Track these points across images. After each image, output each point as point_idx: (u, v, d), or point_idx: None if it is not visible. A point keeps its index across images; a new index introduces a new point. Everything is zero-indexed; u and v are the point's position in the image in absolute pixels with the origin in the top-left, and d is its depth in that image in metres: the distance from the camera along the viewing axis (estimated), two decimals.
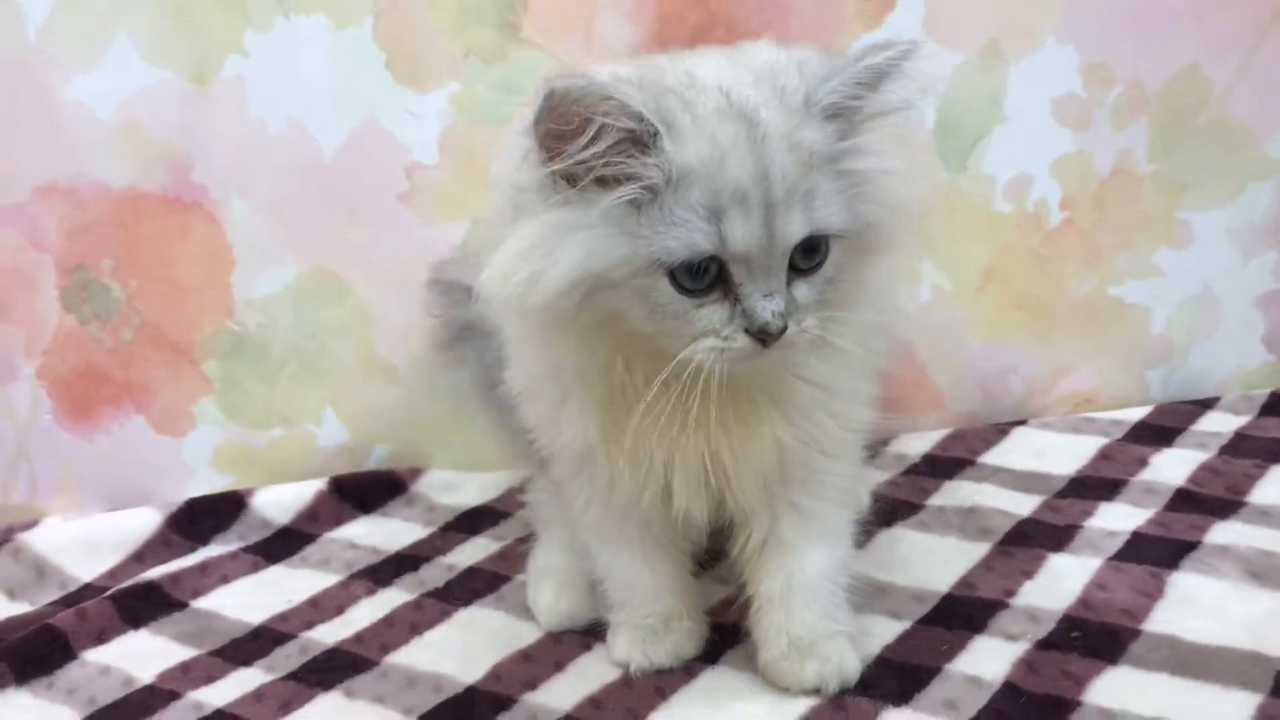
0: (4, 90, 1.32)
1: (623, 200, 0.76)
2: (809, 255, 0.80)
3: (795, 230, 0.77)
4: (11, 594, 1.29)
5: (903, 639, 1.01)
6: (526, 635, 1.09)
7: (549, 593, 1.11)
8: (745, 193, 0.76)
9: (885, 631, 1.02)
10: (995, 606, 1.04)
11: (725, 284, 0.79)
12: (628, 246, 0.77)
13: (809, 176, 0.77)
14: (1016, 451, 1.36)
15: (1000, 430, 1.41)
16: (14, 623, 1.20)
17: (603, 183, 0.77)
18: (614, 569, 1.03)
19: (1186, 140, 1.37)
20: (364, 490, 1.41)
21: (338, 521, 1.37)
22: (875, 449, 1.39)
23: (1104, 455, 1.32)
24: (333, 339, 1.42)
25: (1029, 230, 1.40)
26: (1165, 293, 1.43)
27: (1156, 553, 1.09)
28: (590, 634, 1.07)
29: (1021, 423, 1.43)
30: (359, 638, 1.12)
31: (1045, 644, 0.98)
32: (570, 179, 0.77)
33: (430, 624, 1.14)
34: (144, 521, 1.35)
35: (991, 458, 1.35)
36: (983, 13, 1.33)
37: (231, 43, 1.32)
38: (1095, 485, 1.25)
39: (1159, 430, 1.36)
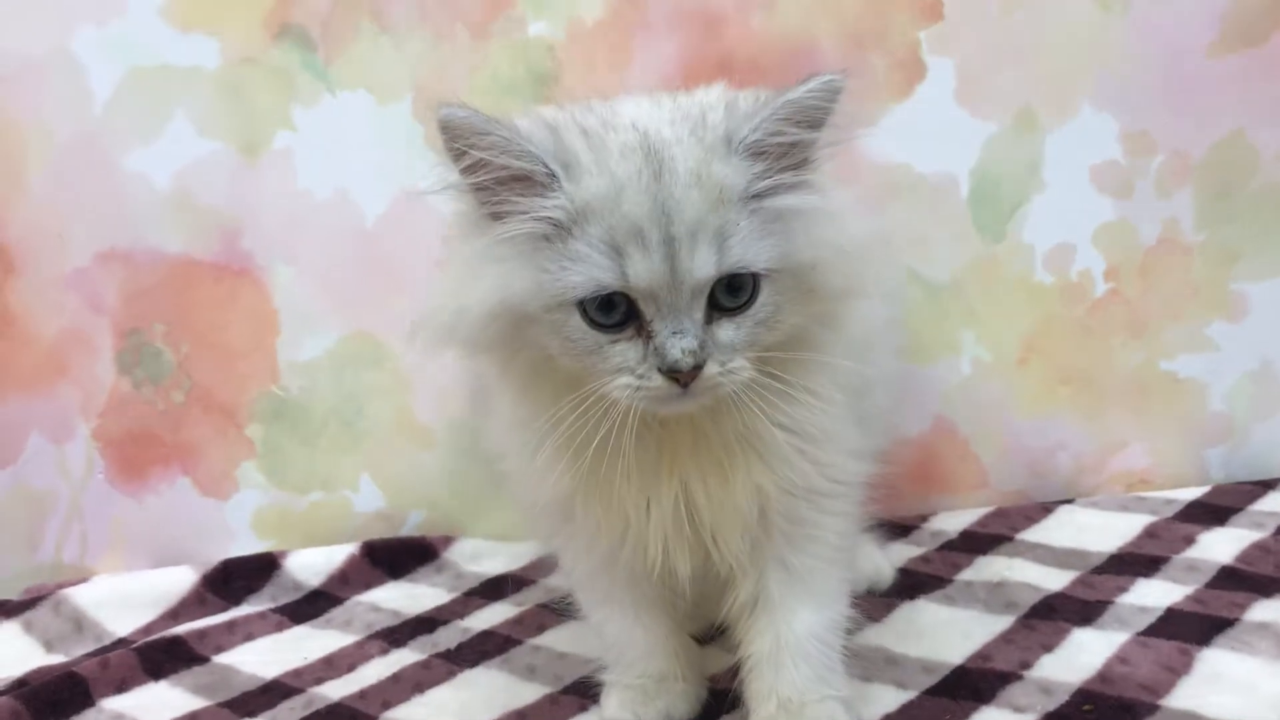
0: (72, 161, 1.40)
1: (531, 235, 0.77)
2: (734, 294, 0.78)
3: (702, 267, 0.76)
4: (50, 645, 1.32)
5: (905, 708, 0.97)
6: (526, 695, 1.08)
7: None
8: (642, 229, 0.76)
9: (888, 700, 0.98)
10: (1007, 679, 0.99)
11: (639, 321, 0.78)
12: (535, 280, 0.77)
13: (720, 213, 0.76)
14: (1058, 529, 1.30)
15: (1045, 509, 1.36)
16: (45, 672, 1.22)
17: (499, 218, 0.78)
18: (606, 626, 1.01)
19: (1236, 208, 1.33)
20: (396, 556, 1.42)
21: (367, 585, 1.38)
22: (914, 524, 1.36)
23: (1149, 533, 1.26)
24: (372, 403, 1.44)
25: (1072, 301, 1.36)
26: (1221, 367, 1.37)
27: (1189, 629, 1.03)
28: (591, 696, 1.05)
29: (1068, 501, 1.37)
30: (363, 694, 1.12)
31: (1054, 716, 0.93)
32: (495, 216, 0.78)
33: (434, 683, 1.13)
34: (180, 580, 1.38)
35: (1031, 534, 1.29)
36: (1015, 81, 1.32)
37: (280, 117, 1.39)
38: (1135, 562, 1.19)
39: (1213, 510, 1.29)
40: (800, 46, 1.33)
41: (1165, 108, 1.32)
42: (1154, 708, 0.92)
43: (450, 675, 1.14)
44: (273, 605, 1.36)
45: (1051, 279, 1.37)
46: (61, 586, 1.40)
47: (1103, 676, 0.98)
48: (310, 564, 1.40)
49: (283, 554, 1.41)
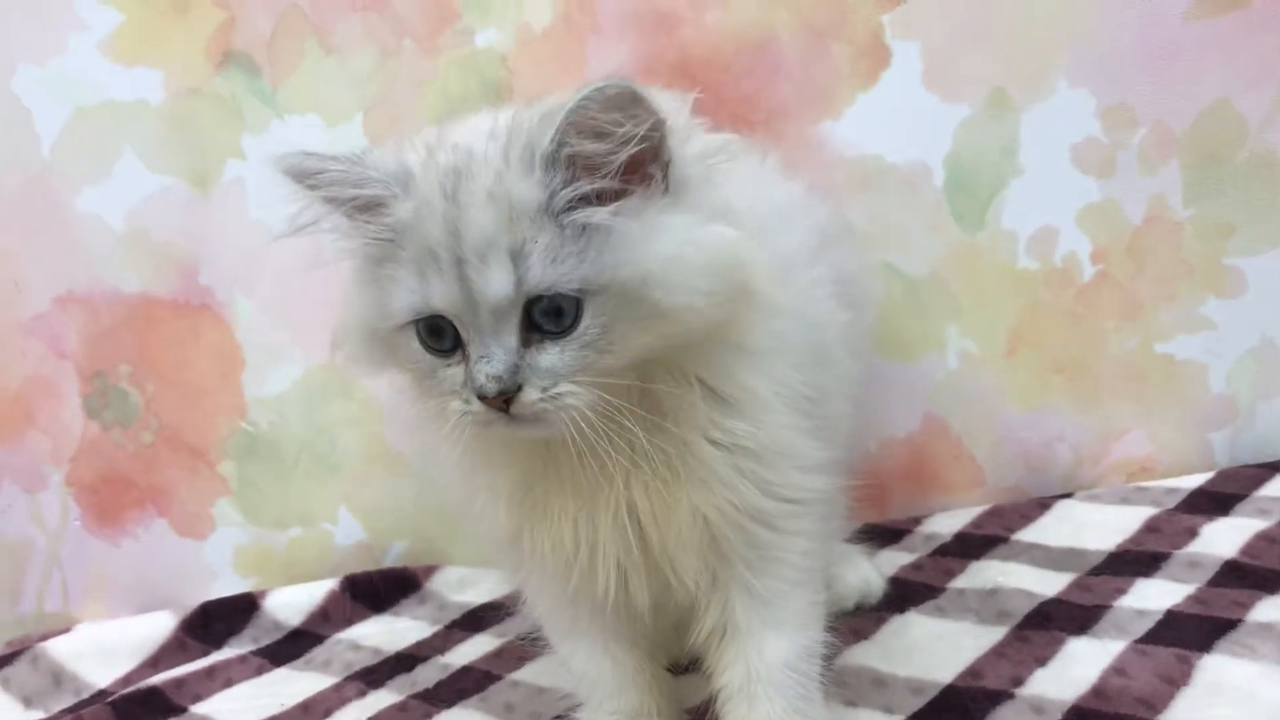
0: (23, 206, 1.38)
1: (372, 256, 0.77)
2: (554, 317, 0.74)
3: (496, 288, 0.73)
4: (29, 702, 1.29)
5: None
6: None
7: None
8: (435, 250, 0.74)
9: None
10: (998, 698, 0.95)
11: (463, 346, 0.76)
12: (376, 300, 0.78)
13: (514, 230, 0.73)
14: (1055, 527, 1.25)
15: (1042, 505, 1.30)
16: None
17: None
18: (573, 661, 0.97)
19: (1226, 180, 1.27)
20: (378, 589, 1.38)
21: (348, 622, 1.35)
22: (907, 527, 1.31)
23: (1150, 527, 1.20)
24: (344, 433, 1.41)
25: (1060, 287, 1.31)
26: (1221, 347, 1.31)
27: (1189, 634, 0.98)
28: None
29: (1067, 496, 1.32)
30: None
31: None
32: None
33: None
34: (160, 626, 1.35)
35: (1027, 534, 1.24)
36: (985, 61, 1.27)
37: (230, 147, 1.36)
38: (1134, 560, 1.14)
39: (1217, 498, 1.23)
40: (757, 40, 1.28)
41: (1145, 78, 1.25)
42: None
43: (426, 717, 1.11)
44: (254, 647, 1.33)
45: (1036, 265, 1.31)
46: (43, 638, 1.38)
47: (1097, 691, 0.93)
48: (290, 602, 1.37)
49: (262, 594, 1.38)
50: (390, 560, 1.43)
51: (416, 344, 0.77)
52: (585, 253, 0.73)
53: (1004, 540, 1.24)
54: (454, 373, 0.76)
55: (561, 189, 0.73)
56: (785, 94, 1.29)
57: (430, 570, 1.41)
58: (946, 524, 1.30)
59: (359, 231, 0.78)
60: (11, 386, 1.43)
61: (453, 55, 1.32)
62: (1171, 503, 1.24)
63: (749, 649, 0.89)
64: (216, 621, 1.36)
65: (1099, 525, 1.23)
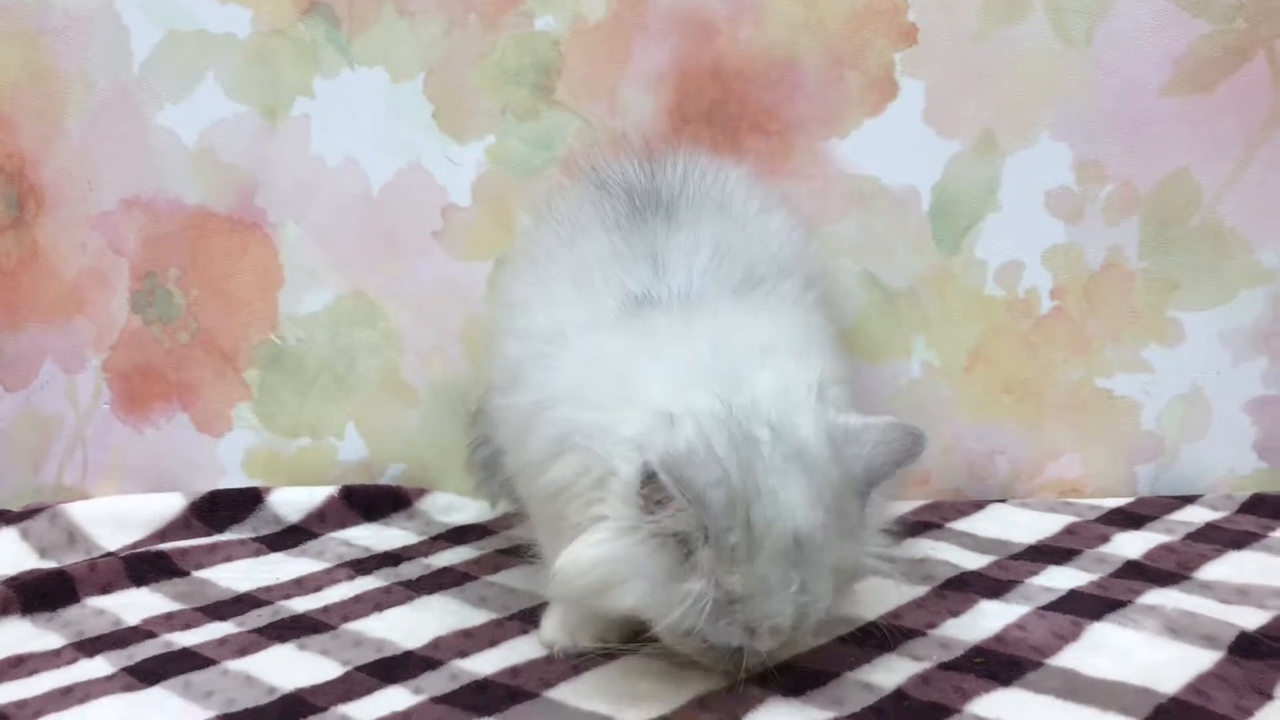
0: (107, 113, 1.52)
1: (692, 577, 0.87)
2: None
3: (809, 638, 0.95)
4: (43, 553, 1.41)
5: (815, 651, 1.05)
6: (474, 619, 1.17)
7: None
8: (780, 628, 0.88)
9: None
10: (912, 634, 1.08)
11: None
12: (672, 611, 0.87)
13: (839, 590, 0.92)
14: (985, 522, 1.39)
15: (978, 505, 1.45)
16: (37, 574, 1.32)
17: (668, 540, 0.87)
18: (553, 556, 1.09)
19: (1177, 241, 1.42)
20: (372, 501, 1.51)
21: (342, 524, 1.48)
22: None
23: (1069, 531, 1.34)
24: (362, 359, 1.55)
25: (1019, 316, 1.46)
26: (1155, 389, 1.46)
27: (1085, 606, 1.11)
28: (533, 622, 1.14)
29: (1001, 501, 1.46)
30: (326, 609, 1.21)
31: (947, 665, 1.01)
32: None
33: (393, 604, 1.22)
34: (170, 505, 1.48)
35: (960, 525, 1.38)
36: (980, 106, 1.43)
37: (301, 85, 1.50)
38: (1051, 552, 1.27)
39: (1133, 516, 1.38)
40: (783, 60, 1.44)
41: (1118, 141, 1.41)
42: (1038, 664, 1.00)
43: (408, 599, 1.23)
44: (253, 535, 1.45)
45: (1001, 293, 1.46)
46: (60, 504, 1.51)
47: (999, 638, 1.06)
48: (292, 501, 1.50)
49: (267, 490, 1.51)
50: (386, 480, 1.56)
51: (698, 641, 0.90)
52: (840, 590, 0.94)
53: (939, 526, 1.38)
54: (723, 653, 0.91)
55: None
56: (801, 110, 1.45)
57: (422, 493, 1.54)
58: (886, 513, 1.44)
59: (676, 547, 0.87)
60: (68, 274, 1.56)
61: (512, 34, 1.47)
62: (1092, 516, 1.39)
63: None
64: (222, 508, 1.49)
65: (1025, 525, 1.37)
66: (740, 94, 1.45)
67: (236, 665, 1.08)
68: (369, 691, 1.01)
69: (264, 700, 1.00)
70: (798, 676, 0.99)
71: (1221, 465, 1.46)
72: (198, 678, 1.05)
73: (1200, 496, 1.43)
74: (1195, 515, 1.37)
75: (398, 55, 1.49)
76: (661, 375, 0.93)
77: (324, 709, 0.98)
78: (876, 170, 1.45)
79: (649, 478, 0.86)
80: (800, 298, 1.11)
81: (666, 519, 0.86)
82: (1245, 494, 1.41)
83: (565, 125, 1.47)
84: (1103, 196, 1.43)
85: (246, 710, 0.98)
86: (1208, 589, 1.15)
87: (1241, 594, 1.13)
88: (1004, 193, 1.44)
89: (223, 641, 1.13)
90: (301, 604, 1.23)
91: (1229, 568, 1.21)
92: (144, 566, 1.33)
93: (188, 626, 1.18)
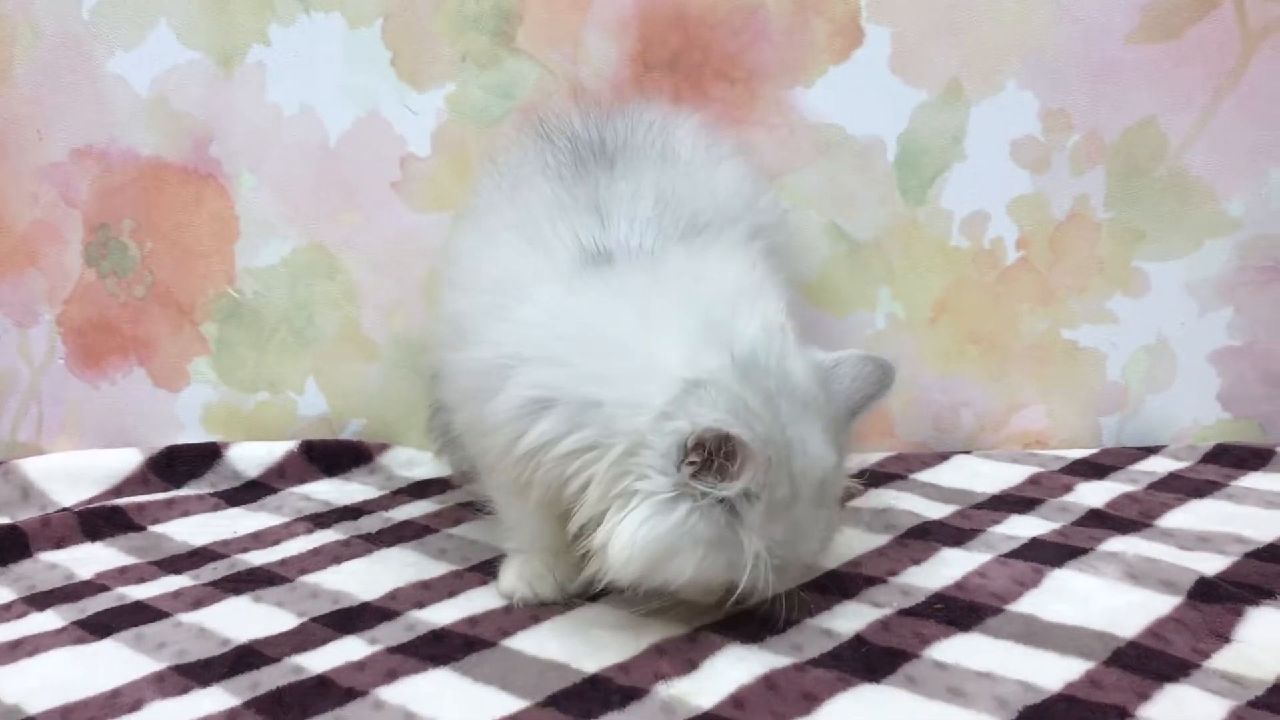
0: (57, 61, 1.48)
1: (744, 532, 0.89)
2: None
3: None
4: None
5: (775, 597, 1.05)
6: (433, 570, 1.16)
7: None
8: (810, 563, 0.97)
9: None
10: (873, 581, 1.08)
11: None
12: (740, 575, 0.90)
13: None
14: (950, 473, 1.39)
15: (942, 457, 1.44)
16: None
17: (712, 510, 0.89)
18: (509, 510, 1.09)
19: (1144, 191, 1.42)
20: (332, 456, 1.50)
21: (302, 480, 1.47)
22: None
23: (1032, 481, 1.34)
24: (321, 312, 1.52)
25: (984, 266, 1.45)
26: (1120, 339, 1.45)
27: (1046, 554, 1.11)
28: (492, 574, 1.13)
29: (966, 453, 1.46)
30: (284, 562, 1.20)
31: (907, 612, 1.01)
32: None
33: (351, 557, 1.21)
34: (126, 460, 1.46)
35: (924, 475, 1.38)
36: (946, 54, 1.41)
37: (257, 32, 1.47)
38: (1014, 502, 1.28)
39: (1096, 467, 1.38)
40: (748, 5, 1.42)
41: (1084, 90, 1.40)
42: (998, 610, 1.00)
43: (367, 552, 1.22)
44: (211, 490, 1.44)
45: (967, 244, 1.45)
46: (9, 458, 1.49)
47: (960, 585, 1.06)
48: (251, 455, 1.48)
49: (226, 445, 1.49)
50: (347, 435, 1.55)
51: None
52: None
53: (903, 478, 1.38)
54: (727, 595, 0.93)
55: None
56: (766, 58, 1.43)
57: (383, 448, 1.53)
58: (853, 462, 1.43)
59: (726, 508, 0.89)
60: (19, 227, 1.53)
61: None
62: (1056, 466, 1.39)
63: None
64: (180, 463, 1.47)
65: (989, 476, 1.37)
66: (704, 41, 1.43)
67: (190, 618, 1.06)
68: (324, 642, 1.00)
69: (216, 652, 0.99)
70: (757, 623, 0.99)
71: (1186, 416, 1.46)
72: (150, 630, 1.04)
73: (1164, 447, 1.44)
74: (1158, 465, 1.38)
75: (355, 0, 1.46)
76: (661, 339, 0.92)
77: (277, 659, 0.97)
78: (842, 119, 1.44)
79: (697, 446, 0.86)
80: (745, 245, 1.10)
81: (721, 485, 0.87)
82: (1208, 444, 1.42)
83: (526, 73, 1.45)
84: (1069, 146, 1.42)
85: (198, 662, 0.97)
86: (1169, 536, 1.15)
87: (1202, 541, 1.14)
88: (970, 142, 1.43)
89: (177, 595, 1.12)
90: (259, 557, 1.22)
91: (1190, 516, 1.21)
92: (98, 521, 1.31)
93: (141, 580, 1.16)
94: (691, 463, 0.87)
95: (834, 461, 0.93)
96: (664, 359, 0.90)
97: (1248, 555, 1.10)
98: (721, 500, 0.88)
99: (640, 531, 0.87)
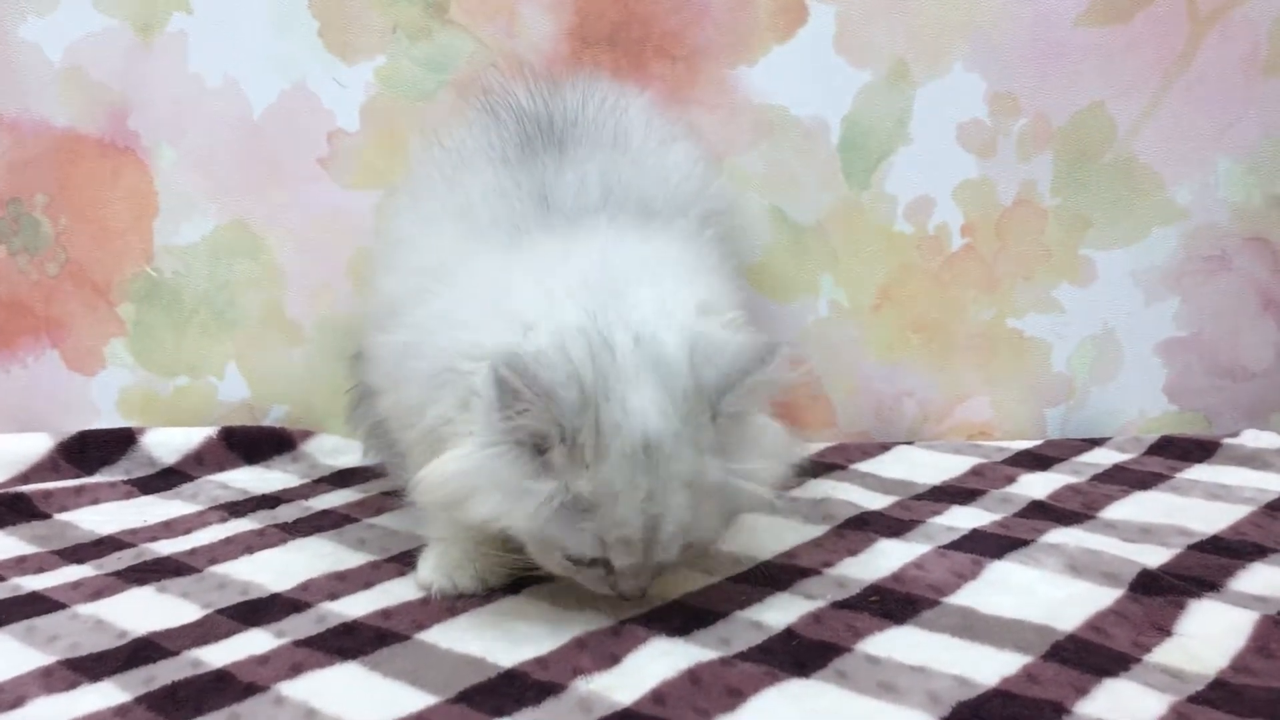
0: None
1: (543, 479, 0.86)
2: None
3: (671, 557, 0.90)
4: None
5: (706, 590, 1.01)
6: (350, 561, 1.11)
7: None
8: (630, 539, 0.87)
9: (695, 581, 1.02)
10: (808, 573, 1.04)
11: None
12: (534, 521, 0.87)
13: (698, 509, 0.88)
14: (891, 463, 1.36)
15: (884, 447, 1.41)
16: None
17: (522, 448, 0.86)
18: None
19: (1091, 177, 1.39)
20: (254, 443, 1.44)
21: (221, 467, 1.41)
22: None
23: (975, 472, 1.31)
24: (243, 293, 1.46)
25: (929, 253, 1.42)
26: (1066, 329, 1.43)
27: (986, 545, 1.08)
28: (409, 564, 1.08)
29: (908, 444, 1.42)
30: (193, 551, 1.14)
31: (841, 605, 0.97)
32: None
33: (265, 547, 1.15)
34: (35, 446, 1.40)
35: (864, 466, 1.35)
36: (892, 34, 1.37)
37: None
38: (955, 493, 1.24)
39: (1040, 458, 1.35)
40: None
41: (1032, 73, 1.37)
42: (935, 603, 0.97)
43: (282, 542, 1.17)
44: (125, 478, 1.38)
45: (911, 230, 1.42)
46: None
47: (896, 577, 1.02)
48: (167, 442, 1.42)
49: (141, 430, 1.43)
50: (270, 421, 1.49)
51: (561, 556, 0.90)
52: (722, 509, 0.93)
53: (843, 468, 1.34)
54: (595, 573, 0.91)
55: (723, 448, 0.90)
56: (708, 35, 1.38)
57: (306, 435, 1.47)
58: (793, 452, 1.39)
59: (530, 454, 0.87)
60: None
61: None
62: (999, 458, 1.36)
63: None
64: (92, 449, 1.41)
65: (930, 466, 1.33)
66: (644, 16, 1.38)
67: (88, 609, 1.01)
68: (227, 635, 0.95)
69: (112, 644, 0.93)
70: (685, 616, 0.95)
71: (1131, 408, 1.44)
72: (43, 622, 0.98)
73: (1109, 439, 1.41)
74: (1103, 457, 1.35)
75: None
76: (534, 292, 0.91)
77: (175, 653, 0.91)
78: (785, 100, 1.40)
79: (499, 382, 0.84)
80: (696, 233, 1.07)
81: (519, 419, 0.85)
82: (1153, 436, 1.39)
83: (460, 46, 1.39)
84: (1016, 130, 1.38)
85: (91, 655, 0.91)
86: (1111, 528, 1.12)
87: (1145, 533, 1.11)
88: (915, 125, 1.40)
89: (76, 585, 1.06)
90: (168, 546, 1.16)
91: (1134, 508, 1.18)
92: (1, 509, 1.25)
93: (40, 570, 1.10)
94: (501, 403, 0.85)
95: (668, 430, 0.85)
96: (521, 307, 0.90)
97: (1191, 547, 1.07)
98: (531, 441, 0.86)
99: (449, 466, 0.88)
